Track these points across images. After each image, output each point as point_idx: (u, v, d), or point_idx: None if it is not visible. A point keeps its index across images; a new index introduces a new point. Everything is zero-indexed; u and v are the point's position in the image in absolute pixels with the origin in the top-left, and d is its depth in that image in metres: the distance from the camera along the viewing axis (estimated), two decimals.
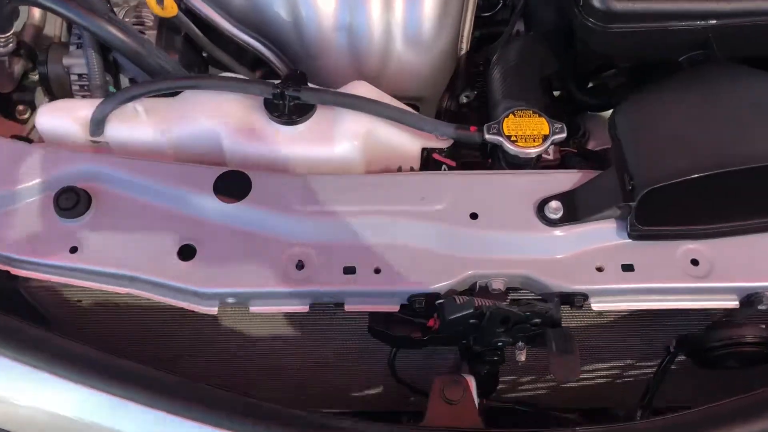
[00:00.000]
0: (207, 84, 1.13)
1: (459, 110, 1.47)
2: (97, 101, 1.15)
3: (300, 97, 1.09)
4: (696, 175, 0.97)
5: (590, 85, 1.46)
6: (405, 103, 1.22)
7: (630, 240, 1.04)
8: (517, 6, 1.40)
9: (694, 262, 1.04)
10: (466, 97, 1.47)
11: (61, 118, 1.16)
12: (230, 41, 1.35)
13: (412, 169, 1.18)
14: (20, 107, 1.44)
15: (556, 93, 1.47)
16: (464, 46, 1.36)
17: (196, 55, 1.38)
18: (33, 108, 1.44)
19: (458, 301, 1.01)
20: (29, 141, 1.30)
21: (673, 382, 1.28)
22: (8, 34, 1.27)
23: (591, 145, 1.41)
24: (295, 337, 1.28)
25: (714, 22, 1.09)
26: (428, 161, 1.18)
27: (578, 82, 1.42)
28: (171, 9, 1.23)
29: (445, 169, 1.17)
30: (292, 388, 1.52)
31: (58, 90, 1.34)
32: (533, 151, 1.08)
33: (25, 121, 1.44)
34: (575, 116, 1.43)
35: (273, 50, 1.34)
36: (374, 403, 1.55)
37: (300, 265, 1.04)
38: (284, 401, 1.54)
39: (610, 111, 1.41)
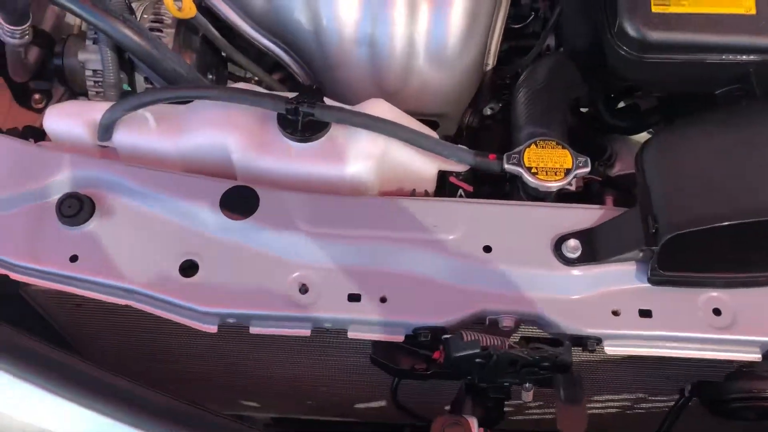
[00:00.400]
0: (219, 95, 1.09)
1: (482, 123, 1.42)
2: (106, 104, 1.11)
3: (314, 114, 1.05)
4: (725, 224, 0.92)
5: (621, 104, 1.40)
6: (425, 120, 1.17)
7: (650, 285, 0.99)
8: (549, 20, 1.34)
9: (717, 312, 0.99)
10: (491, 109, 1.42)
11: (69, 121, 1.13)
12: (249, 44, 1.31)
13: (426, 193, 1.14)
14: (36, 96, 1.41)
15: (584, 109, 1.42)
16: (491, 62, 1.31)
17: (214, 56, 1.35)
18: (49, 97, 1.41)
19: (465, 338, 0.97)
20: (42, 132, 1.28)
21: (686, 419, 1.24)
22: (24, 26, 1.24)
23: (617, 168, 1.36)
24: (299, 350, 1.26)
25: (755, 57, 1.04)
26: (444, 184, 1.14)
27: (608, 103, 1.37)
28: (189, 10, 1.20)
29: (461, 194, 1.12)
30: (295, 397, 1.50)
31: (74, 83, 1.32)
32: (554, 185, 1.04)
33: (40, 110, 1.42)
34: (603, 136, 1.38)
35: (292, 56, 1.31)
36: (378, 415, 1.52)
37: (304, 289, 1.01)
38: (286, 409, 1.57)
39: (639, 134, 1.39)
